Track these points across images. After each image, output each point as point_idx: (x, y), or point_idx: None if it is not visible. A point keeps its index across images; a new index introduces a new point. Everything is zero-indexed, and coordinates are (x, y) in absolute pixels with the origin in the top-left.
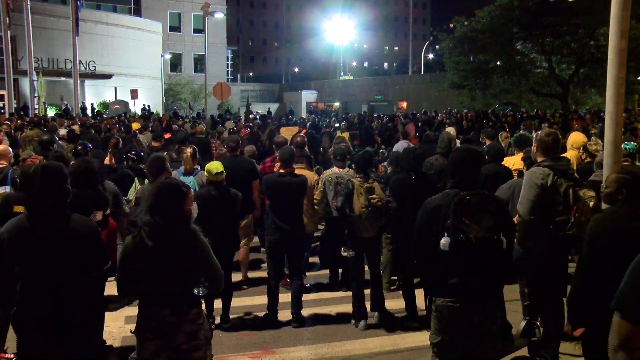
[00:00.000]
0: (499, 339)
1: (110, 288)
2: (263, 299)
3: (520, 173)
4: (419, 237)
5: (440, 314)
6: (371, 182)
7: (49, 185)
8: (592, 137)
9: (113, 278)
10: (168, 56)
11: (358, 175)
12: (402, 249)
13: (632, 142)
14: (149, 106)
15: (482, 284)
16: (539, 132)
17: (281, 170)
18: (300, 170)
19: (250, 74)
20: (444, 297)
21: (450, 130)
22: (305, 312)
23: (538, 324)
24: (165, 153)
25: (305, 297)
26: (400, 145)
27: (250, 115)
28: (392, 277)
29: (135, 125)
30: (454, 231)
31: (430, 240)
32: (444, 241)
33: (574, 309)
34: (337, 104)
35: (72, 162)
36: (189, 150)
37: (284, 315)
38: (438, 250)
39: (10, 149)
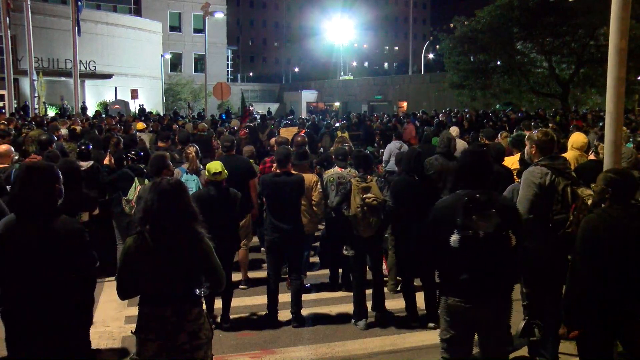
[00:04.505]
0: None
1: (111, 288)
2: (263, 299)
3: (519, 173)
4: (429, 236)
5: (450, 312)
6: (369, 182)
7: (32, 186)
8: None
9: (113, 278)
10: (168, 56)
11: (357, 176)
12: (402, 249)
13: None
14: (142, 105)
15: (491, 280)
16: (535, 132)
17: (277, 170)
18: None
19: (250, 74)
20: (455, 296)
21: (453, 130)
22: (305, 312)
23: (539, 323)
24: (167, 153)
25: (305, 297)
26: (393, 146)
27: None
28: (398, 278)
29: (141, 125)
30: (463, 228)
31: (441, 239)
32: (454, 237)
33: (569, 310)
34: (337, 104)
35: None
36: (193, 149)
37: (284, 315)
38: (449, 248)
39: (13, 149)
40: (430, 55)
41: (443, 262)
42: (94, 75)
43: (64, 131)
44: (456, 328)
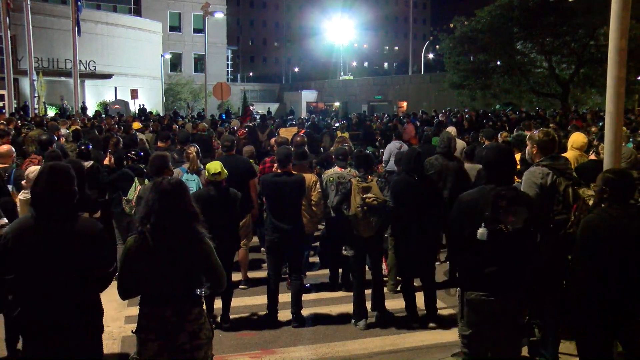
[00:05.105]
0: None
1: (111, 288)
2: (263, 299)
3: (519, 173)
4: (452, 230)
5: (471, 307)
6: (369, 182)
7: (54, 186)
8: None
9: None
10: (168, 56)
11: (357, 175)
12: (402, 249)
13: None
14: (143, 105)
15: (516, 274)
16: (536, 132)
17: (278, 170)
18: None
19: (251, 74)
20: (478, 290)
21: (451, 129)
22: (305, 312)
23: (538, 323)
24: (167, 153)
25: (305, 297)
26: (393, 146)
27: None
28: (398, 278)
29: (137, 125)
30: (492, 221)
31: (463, 234)
32: (481, 230)
33: (569, 310)
34: (337, 104)
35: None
36: (193, 149)
37: (284, 315)
38: (474, 242)
39: (14, 149)
40: (430, 55)
41: (466, 255)
42: (94, 75)
43: (64, 131)
44: (476, 324)
